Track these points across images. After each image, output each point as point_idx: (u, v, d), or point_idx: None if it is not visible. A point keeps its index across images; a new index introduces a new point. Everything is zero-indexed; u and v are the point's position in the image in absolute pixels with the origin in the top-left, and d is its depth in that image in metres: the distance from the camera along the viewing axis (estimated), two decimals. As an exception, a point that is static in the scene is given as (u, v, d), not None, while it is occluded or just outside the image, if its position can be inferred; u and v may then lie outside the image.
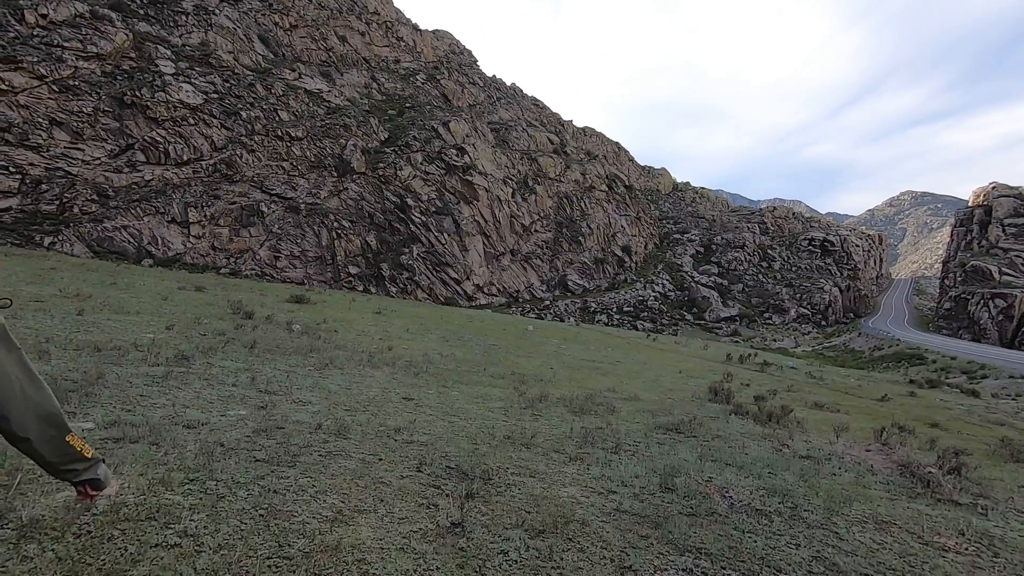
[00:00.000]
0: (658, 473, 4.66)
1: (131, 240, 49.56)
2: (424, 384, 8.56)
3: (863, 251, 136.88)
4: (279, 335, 11.41)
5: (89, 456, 1.68)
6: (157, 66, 57.84)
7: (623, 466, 4.88)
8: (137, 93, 54.04)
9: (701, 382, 13.95)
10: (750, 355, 23.35)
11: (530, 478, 4.38)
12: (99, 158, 51.73)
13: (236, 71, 64.27)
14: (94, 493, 1.72)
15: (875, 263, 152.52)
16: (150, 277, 20.21)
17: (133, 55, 57.89)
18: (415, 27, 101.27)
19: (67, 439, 1.60)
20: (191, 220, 52.84)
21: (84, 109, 51.68)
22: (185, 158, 55.06)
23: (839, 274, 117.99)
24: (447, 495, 3.74)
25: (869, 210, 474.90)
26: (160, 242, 51.16)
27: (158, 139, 54.03)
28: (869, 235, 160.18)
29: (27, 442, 1.51)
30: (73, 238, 46.20)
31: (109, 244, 48.07)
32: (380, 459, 4.31)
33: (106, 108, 53.04)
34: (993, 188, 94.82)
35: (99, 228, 47.97)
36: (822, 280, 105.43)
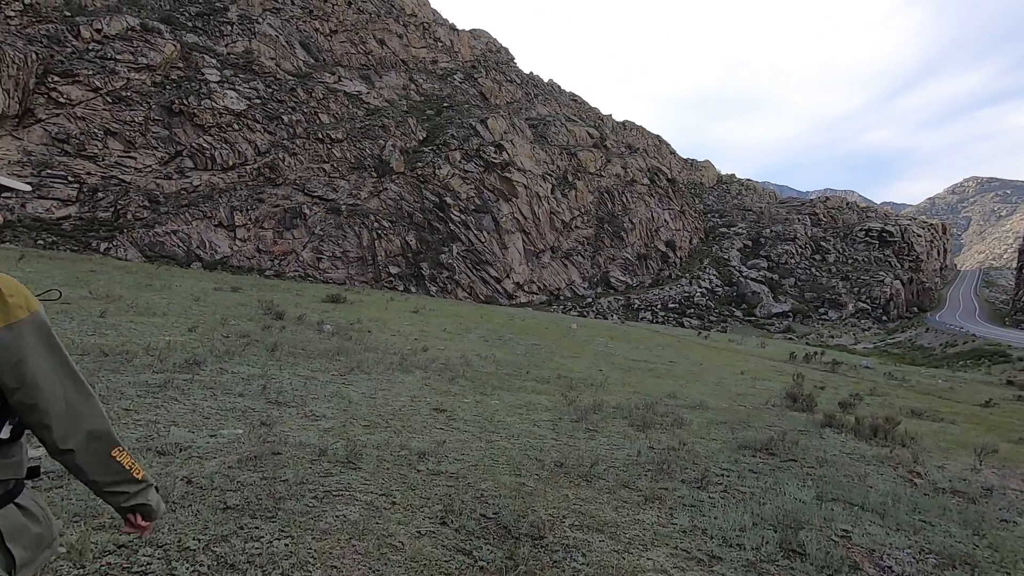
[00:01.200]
0: (770, 524, 3.50)
1: (180, 244, 50.89)
2: (459, 391, 7.56)
3: (926, 241, 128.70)
4: (307, 336, 10.65)
5: (140, 478, 1.48)
6: (203, 75, 59.39)
7: (719, 511, 3.77)
8: (185, 101, 55.55)
9: (770, 385, 12.47)
10: (816, 353, 21.39)
11: (596, 533, 3.31)
12: (150, 165, 53.42)
13: (278, 76, 65.43)
14: (144, 524, 1.51)
15: (939, 254, 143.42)
16: (188, 279, 20.08)
17: (181, 65, 59.65)
18: (452, 27, 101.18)
19: (112, 453, 1.41)
20: (237, 224, 53.89)
21: (136, 119, 53.47)
22: (230, 163, 56.28)
23: (900, 266, 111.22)
24: (481, 567, 2.68)
25: (929, 198, 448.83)
26: (208, 246, 52.36)
27: (205, 145, 55.40)
28: (932, 224, 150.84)
29: (69, 454, 1.36)
30: (127, 243, 47.73)
31: (160, 249, 49.48)
32: (394, 502, 3.35)
33: (156, 117, 54.75)
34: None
35: (150, 233, 49.43)
36: (881, 273, 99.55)
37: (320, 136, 61.68)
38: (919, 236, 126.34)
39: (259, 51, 66.61)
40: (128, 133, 52.44)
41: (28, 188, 1.52)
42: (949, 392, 15.30)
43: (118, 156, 51.82)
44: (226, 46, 65.22)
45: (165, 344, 7.99)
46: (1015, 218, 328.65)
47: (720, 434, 6.46)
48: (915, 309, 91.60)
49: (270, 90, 62.71)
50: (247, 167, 57.42)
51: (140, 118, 53.47)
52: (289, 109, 61.93)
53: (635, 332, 28.00)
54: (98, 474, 1.42)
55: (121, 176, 51.65)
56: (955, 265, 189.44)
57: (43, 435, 1.35)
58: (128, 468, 1.47)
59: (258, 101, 60.66)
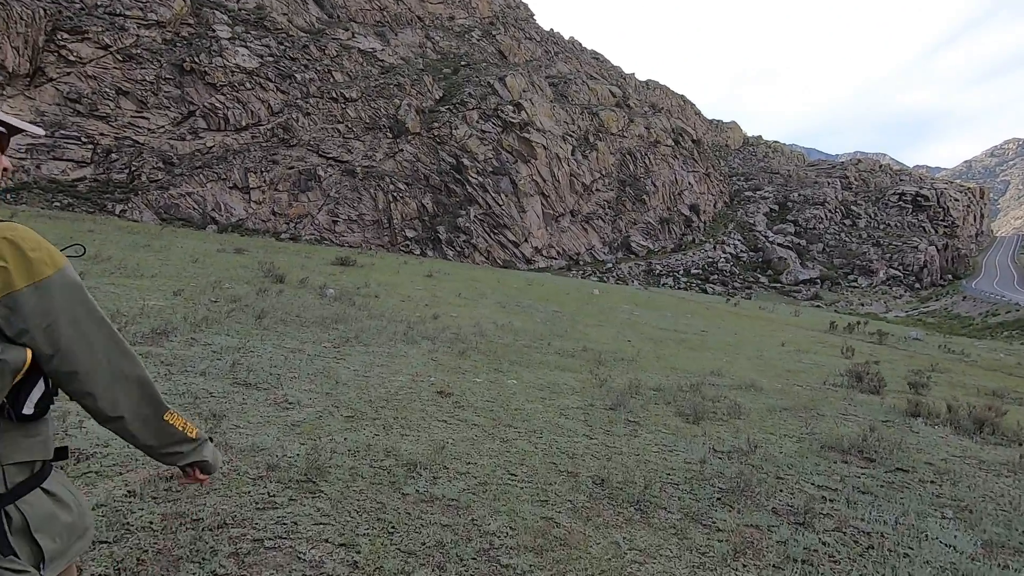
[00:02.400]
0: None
1: (196, 207, 50.36)
2: (471, 367, 6.49)
3: (962, 206, 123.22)
4: (305, 302, 9.65)
5: (195, 436, 1.44)
6: (214, 31, 57.71)
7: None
8: (196, 59, 54.13)
9: (817, 359, 11.22)
10: (858, 323, 19.87)
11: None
12: (163, 126, 52.53)
13: (290, 33, 63.39)
14: (203, 477, 1.48)
15: (975, 219, 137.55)
16: (193, 240, 19.25)
17: (191, 21, 58.00)
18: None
19: (165, 418, 1.37)
20: (251, 186, 53.08)
21: (147, 77, 52.31)
22: (244, 123, 55.10)
23: (934, 232, 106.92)
24: None
25: (966, 161, 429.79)
26: (223, 208, 51.77)
27: (217, 105, 54.19)
28: (969, 188, 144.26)
29: (119, 421, 1.30)
30: (142, 206, 47.32)
31: (175, 211, 49.01)
32: (354, 563, 2.22)
33: (167, 76, 53.51)
34: None
35: (165, 195, 48.92)
36: (915, 238, 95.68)
37: (334, 95, 59.95)
38: (956, 200, 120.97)
39: (271, 6, 64.42)
40: (140, 92, 51.41)
41: (42, 132, 1.35)
42: (1019, 368, 13.86)
43: (131, 116, 50.97)
44: (237, 1, 63.12)
45: (139, 310, 7.02)
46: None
47: (791, 427, 5.28)
48: (949, 276, 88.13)
49: (282, 47, 60.85)
50: (261, 127, 56.23)
51: (151, 77, 52.31)
52: (302, 67, 60.14)
53: (660, 299, 26.68)
54: (152, 439, 1.36)
55: (135, 137, 50.92)
56: (991, 231, 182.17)
57: (88, 403, 1.27)
58: (182, 429, 1.41)
59: (270, 59, 58.93)
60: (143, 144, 51.37)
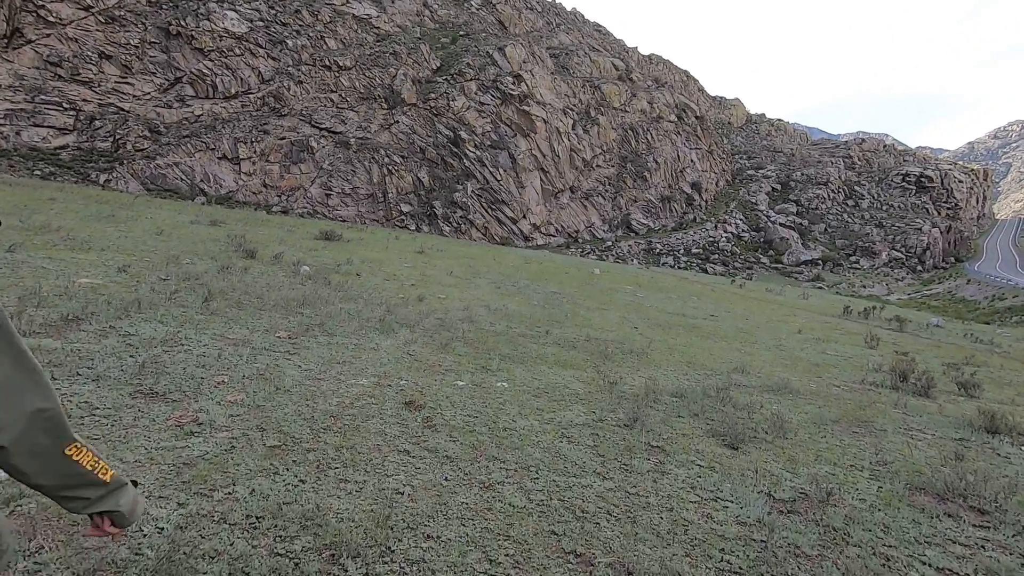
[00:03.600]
0: None
1: (183, 177, 48.74)
2: (452, 365, 5.40)
3: (966, 188, 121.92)
4: (273, 280, 8.53)
5: (107, 479, 1.17)
6: (201, -8, 55.25)
7: None
8: (182, 22, 51.89)
9: (842, 350, 10.19)
10: (873, 308, 18.82)
11: None
12: (149, 93, 50.56)
13: (282, -4, 60.84)
14: (114, 530, 1.21)
15: (978, 202, 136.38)
16: (168, 211, 17.98)
17: (177, -19, 55.48)
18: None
19: (67, 452, 1.10)
20: (241, 156, 51.35)
21: (131, 41, 50.15)
22: (233, 91, 53.10)
23: (937, 213, 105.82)
24: None
25: (969, 143, 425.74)
26: (212, 179, 50.15)
27: (205, 71, 52.12)
28: (973, 170, 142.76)
29: (2, 453, 1.03)
30: (127, 175, 45.71)
31: (162, 182, 47.44)
32: None
33: (153, 40, 51.35)
34: None
35: (152, 165, 47.25)
36: (918, 220, 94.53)
37: (327, 63, 57.78)
38: (960, 182, 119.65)
39: (261, -32, 61.65)
40: (124, 57, 49.33)
41: None
42: (1054, 360, 12.92)
43: (115, 82, 48.97)
44: (226, -38, 60.37)
45: (63, 289, 5.89)
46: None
47: (854, 452, 4.17)
48: (952, 259, 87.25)
49: (273, 11, 58.45)
50: (251, 96, 54.25)
51: (136, 40, 50.15)
52: (294, 33, 57.85)
53: (662, 279, 25.59)
54: (47, 477, 1.09)
55: (119, 104, 49.01)
56: (993, 213, 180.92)
57: None
58: (90, 468, 1.14)
59: (260, 23, 56.63)
60: (128, 111, 49.51)
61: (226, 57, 53.60)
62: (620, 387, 5.23)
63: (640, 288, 18.69)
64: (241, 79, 53.80)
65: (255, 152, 52.38)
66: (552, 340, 7.46)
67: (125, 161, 46.36)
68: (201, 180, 49.61)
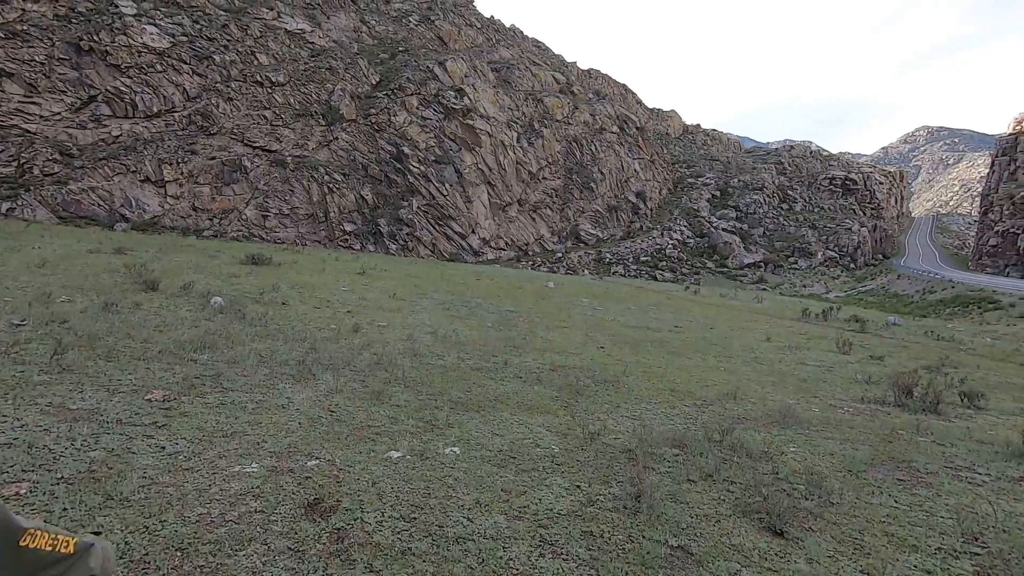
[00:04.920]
0: None
1: (101, 203, 44.98)
2: (386, 424, 4.15)
3: (886, 189, 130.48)
4: (171, 317, 7.01)
5: (71, 551, 1.11)
6: (116, 7, 51.75)
7: None
8: (95, 37, 48.27)
9: (818, 358, 9.55)
10: (831, 309, 18.76)
11: None
12: (59, 113, 46.58)
13: (207, 11, 57.96)
14: None
15: (896, 202, 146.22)
16: (64, 239, 15.80)
17: (89, -5, 51.76)
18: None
19: (22, 544, 1.03)
20: (167, 178, 47.97)
21: (36, 57, 46.14)
22: (155, 110, 49.72)
23: (863, 214, 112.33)
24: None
25: (883, 148, 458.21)
26: (134, 204, 46.53)
27: (123, 89, 48.59)
28: (890, 172, 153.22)
29: None
30: (35, 203, 41.67)
31: (77, 208, 43.59)
32: None
33: (62, 56, 47.45)
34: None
35: (64, 191, 43.34)
36: (848, 220, 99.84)
37: (259, 79, 55.20)
38: (881, 184, 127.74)
39: (184, -18, 58.54)
40: (28, 74, 45.26)
41: None
42: (1018, 354, 12.79)
43: (18, 102, 44.82)
44: (145, -24, 56.92)
45: None
46: (961, 166, 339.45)
47: (934, 526, 3.17)
48: (880, 256, 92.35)
49: (198, 26, 55.43)
50: (175, 114, 50.97)
51: (42, 56, 46.16)
52: (221, 48, 55.00)
53: (617, 289, 24.99)
54: (11, 571, 1.02)
55: (24, 125, 44.83)
56: (909, 212, 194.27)
57: None
58: (51, 548, 1.07)
59: (184, 38, 53.49)
60: (35, 133, 45.38)
61: (146, 74, 50.20)
62: (604, 438, 4.14)
63: (597, 300, 17.88)
64: (164, 97, 50.52)
65: (182, 173, 49.09)
66: (512, 372, 6.32)
67: (32, 187, 42.30)
68: (122, 205, 45.94)
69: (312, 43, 63.76)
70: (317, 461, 3.31)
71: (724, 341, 11.00)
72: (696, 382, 6.81)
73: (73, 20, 49.32)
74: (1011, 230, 62.60)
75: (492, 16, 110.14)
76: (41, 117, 45.54)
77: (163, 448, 3.24)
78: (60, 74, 46.83)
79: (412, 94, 62.27)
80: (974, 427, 5.34)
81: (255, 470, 3.08)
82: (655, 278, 63.16)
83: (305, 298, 10.48)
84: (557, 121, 76.76)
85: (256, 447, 3.42)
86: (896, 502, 3.47)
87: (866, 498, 3.51)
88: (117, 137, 48.07)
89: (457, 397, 5.04)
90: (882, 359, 9.75)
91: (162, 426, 3.61)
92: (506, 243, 65.54)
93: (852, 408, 6.01)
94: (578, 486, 3.33)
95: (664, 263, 70.56)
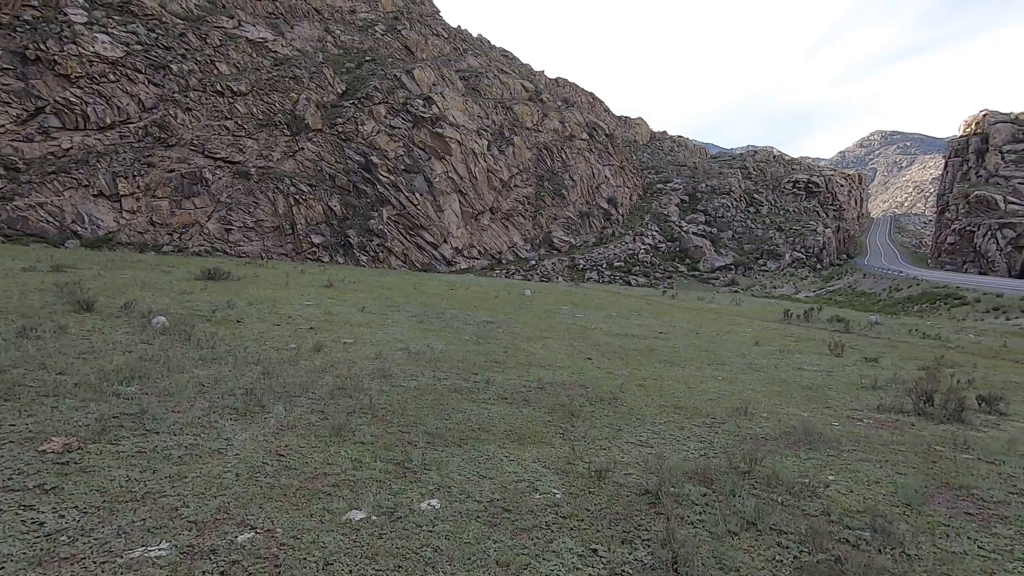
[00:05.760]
0: None
1: (51, 219, 42.67)
2: (348, 469, 3.36)
3: (846, 192, 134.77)
4: (100, 343, 6.09)
5: None
6: (65, 15, 49.51)
7: None
8: (42, 46, 46.00)
9: (815, 362, 9.10)
10: (812, 309, 18.55)
11: None
12: (3, 125, 44.13)
13: (163, 20, 56.02)
14: None
15: (856, 203, 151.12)
16: (2, 258, 14.45)
17: (35, 3, 49.40)
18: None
19: None
20: (122, 193, 45.86)
21: (-23, 67, 43.74)
22: (108, 121, 47.57)
23: (826, 215, 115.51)
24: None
25: (840, 152, 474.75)
26: (87, 220, 44.31)
27: (73, 100, 46.37)
28: (849, 175, 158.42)
29: None
30: (-24, 220, 39.25)
31: (23, 226, 41.24)
32: None
33: (5, 65, 45.06)
34: (986, 116, 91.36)
35: (9, 207, 40.97)
36: (812, 222, 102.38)
37: (219, 88, 53.47)
38: (842, 186, 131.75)
39: (139, -10, 56.48)
40: (-32, 85, 42.81)
41: None
42: (1007, 352, 12.65)
43: (-43, 114, 42.33)
44: (97, -16, 54.68)
45: None
46: (914, 168, 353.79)
47: None
48: (844, 256, 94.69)
49: (154, 35, 53.44)
50: (130, 125, 48.88)
51: (-17, 67, 43.74)
52: (179, 57, 53.12)
53: (595, 295, 24.48)
54: None
55: (-36, 139, 42.33)
56: (868, 212, 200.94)
57: None
58: None
59: (139, 47, 51.45)
60: (-23, 147, 42.90)
61: (98, 84, 48.07)
62: (614, 475, 3.45)
63: (577, 308, 17.29)
64: (118, 107, 48.42)
65: (139, 187, 47.02)
66: (496, 393, 5.60)
67: (-26, 204, 39.87)
68: (73, 221, 43.68)
69: (275, 52, 62.28)
70: (252, 533, 2.53)
71: (713, 347, 10.49)
72: (698, 396, 6.21)
73: (18, 28, 46.95)
74: (967, 228, 64.75)
75: (459, 26, 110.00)
76: (-17, 130, 43.07)
77: (41, 525, 2.42)
78: (3, 84, 44.43)
79: (380, 103, 61.27)
80: (1010, 437, 4.85)
81: (164, 554, 2.28)
82: (629, 283, 63.23)
83: (264, 315, 9.56)
84: (527, 128, 76.65)
85: (172, 516, 2.61)
86: (980, 547, 2.88)
87: (945, 545, 2.89)
88: (68, 150, 45.79)
89: (434, 427, 4.29)
90: (876, 360, 9.37)
91: (51, 489, 2.77)
92: (479, 252, 64.82)
93: (873, 419, 5.49)
94: (594, 550, 2.63)
95: (637, 268, 70.80)
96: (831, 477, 3.71)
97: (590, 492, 3.28)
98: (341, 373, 5.80)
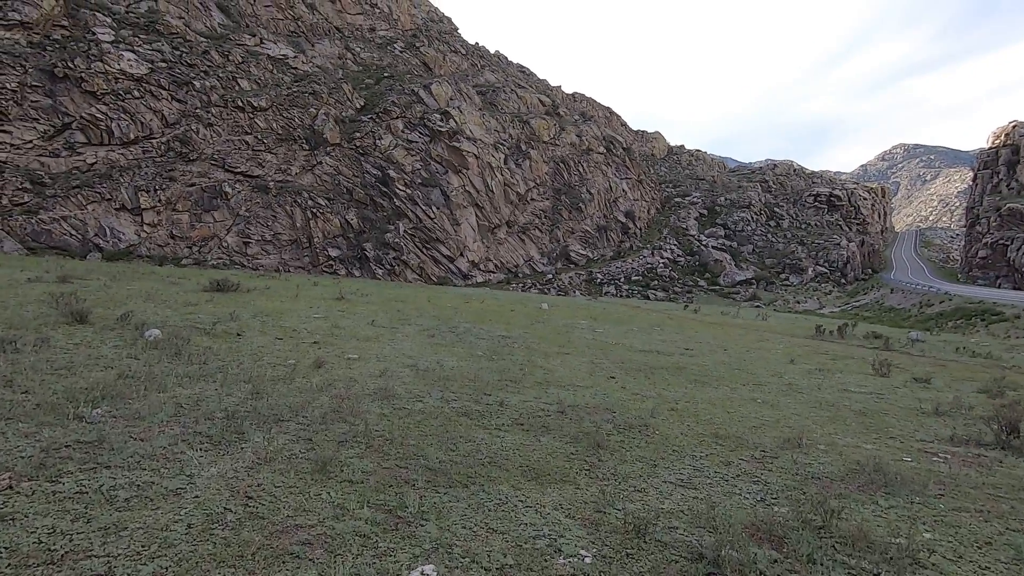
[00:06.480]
0: None
1: (74, 232, 43.30)
2: (327, 519, 2.71)
3: (869, 205, 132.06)
4: (81, 357, 5.61)
5: None
6: (93, 34, 50.77)
7: None
8: (70, 64, 47.13)
9: (856, 381, 8.28)
10: (846, 325, 17.55)
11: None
12: (31, 141, 45.10)
13: (188, 38, 57.16)
14: None
15: (879, 217, 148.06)
16: (10, 267, 14.29)
17: (65, 23, 50.79)
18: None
19: None
20: (144, 206, 46.45)
21: (7, 84, 44.83)
22: (132, 136, 48.40)
23: (849, 229, 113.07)
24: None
25: (861, 166, 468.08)
26: (109, 233, 44.89)
27: (99, 116, 47.30)
28: (873, 188, 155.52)
29: None
30: (2, 233, 39.91)
31: (47, 239, 41.88)
32: None
33: (35, 83, 46.16)
34: (1015, 127, 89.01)
35: (34, 220, 41.67)
36: (835, 236, 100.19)
37: (240, 104, 54.22)
38: (864, 200, 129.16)
39: (166, 10, 57.85)
40: (-1, 102, 43.88)
41: None
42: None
43: (-13, 130, 43.35)
44: (126, 6, 56.09)
45: None
46: (938, 182, 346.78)
47: None
48: (869, 271, 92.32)
49: (178, 52, 54.51)
50: (153, 140, 49.68)
51: (13, 84, 44.85)
52: (201, 74, 54.06)
53: (615, 309, 23.74)
54: None
55: (-7, 154, 43.29)
56: (892, 226, 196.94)
57: None
58: None
59: (163, 64, 52.49)
60: (5, 162, 43.81)
61: (123, 100, 49.01)
62: (656, 530, 2.78)
63: (596, 322, 16.59)
64: (142, 123, 49.28)
65: (160, 201, 47.61)
66: (510, 418, 4.97)
67: (1, 218, 40.58)
68: (96, 234, 44.27)
69: (295, 68, 63.14)
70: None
71: (745, 365, 9.72)
72: (739, 422, 5.50)
73: (48, 47, 48.22)
74: (1000, 241, 62.57)
75: (477, 43, 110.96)
76: (11, 145, 44.02)
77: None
78: (33, 101, 45.49)
79: (397, 117, 61.62)
80: None
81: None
82: (648, 297, 62.13)
83: (267, 328, 9.06)
84: (544, 142, 76.47)
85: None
86: None
87: None
88: (92, 165, 46.62)
89: (437, 461, 3.65)
90: (928, 382, 8.53)
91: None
92: (495, 265, 64.37)
93: (949, 454, 4.73)
94: None
95: (656, 282, 69.66)
96: (927, 535, 2.98)
97: (628, 555, 2.60)
98: (339, 393, 5.22)
